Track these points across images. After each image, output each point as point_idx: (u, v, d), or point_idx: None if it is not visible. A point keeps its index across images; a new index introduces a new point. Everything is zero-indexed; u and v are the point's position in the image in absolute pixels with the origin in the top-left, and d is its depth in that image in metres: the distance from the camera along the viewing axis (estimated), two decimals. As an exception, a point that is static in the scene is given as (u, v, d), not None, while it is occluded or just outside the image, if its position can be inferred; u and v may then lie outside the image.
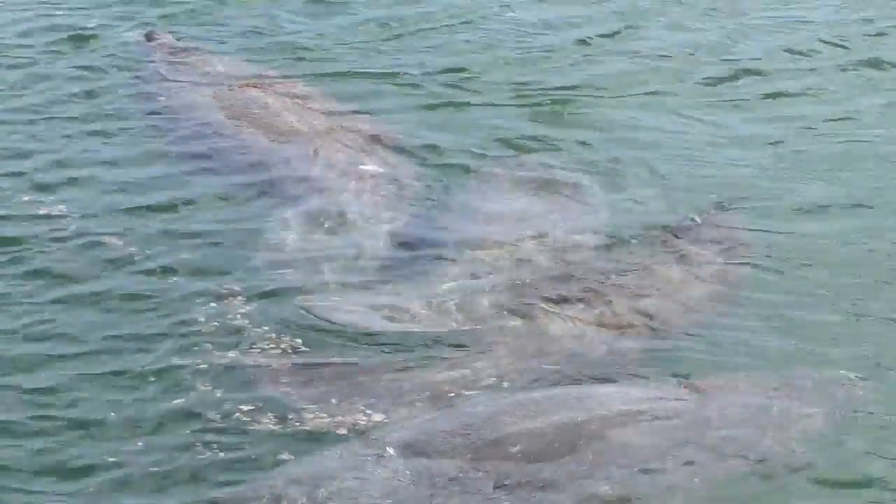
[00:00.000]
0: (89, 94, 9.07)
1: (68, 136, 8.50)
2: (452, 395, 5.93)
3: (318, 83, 9.27)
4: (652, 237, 7.34)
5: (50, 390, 5.94)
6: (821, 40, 10.19)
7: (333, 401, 5.83)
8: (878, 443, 5.75)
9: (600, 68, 9.75)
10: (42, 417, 5.76)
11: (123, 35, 10.04)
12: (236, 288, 6.74)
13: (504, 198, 7.70)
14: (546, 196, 7.77)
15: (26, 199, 7.68)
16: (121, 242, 7.20)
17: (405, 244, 7.29)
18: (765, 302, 6.79)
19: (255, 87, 9.01)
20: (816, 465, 5.60)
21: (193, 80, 9.13)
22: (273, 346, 6.25)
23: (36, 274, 6.89)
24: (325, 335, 6.33)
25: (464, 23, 10.41)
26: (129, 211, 7.60)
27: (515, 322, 6.49)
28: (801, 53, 10.00)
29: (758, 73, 9.71)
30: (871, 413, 5.91)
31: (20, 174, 7.98)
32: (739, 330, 6.54)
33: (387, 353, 6.24)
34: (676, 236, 7.31)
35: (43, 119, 8.72)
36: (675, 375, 6.09)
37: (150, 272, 6.94)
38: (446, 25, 10.37)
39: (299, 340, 6.29)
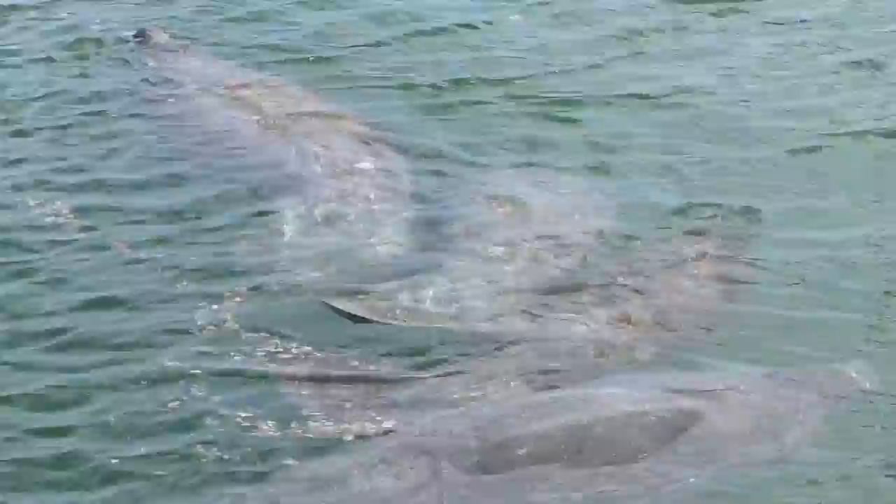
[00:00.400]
0: (85, 94, 9.05)
1: (67, 138, 8.49)
2: (463, 396, 5.91)
3: (313, 83, 9.25)
4: (660, 238, 7.36)
5: (52, 392, 5.93)
6: (820, 43, 10.19)
7: (341, 403, 5.82)
8: (887, 436, 5.78)
9: (605, 68, 9.77)
10: (44, 419, 5.75)
11: (118, 33, 10.01)
12: (236, 289, 6.73)
13: (507, 197, 7.68)
14: (551, 196, 7.78)
15: (22, 199, 7.66)
16: (119, 243, 7.19)
17: (407, 243, 7.28)
18: (769, 301, 6.81)
19: (252, 86, 8.98)
20: (825, 461, 5.60)
21: (188, 79, 9.09)
22: (280, 348, 6.24)
23: (36, 275, 6.89)
24: (333, 335, 6.34)
25: (463, 23, 10.40)
26: (126, 212, 7.58)
27: (524, 323, 6.49)
28: (806, 54, 10.01)
29: (765, 71, 9.75)
30: (878, 406, 5.94)
31: (15, 176, 7.97)
32: (746, 329, 6.55)
33: (393, 353, 6.24)
34: (685, 236, 7.34)
35: (39, 119, 8.71)
36: (681, 375, 6.10)
37: (146, 274, 6.91)
38: (444, 25, 10.35)
39: (305, 340, 6.29)
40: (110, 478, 5.41)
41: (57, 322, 6.46)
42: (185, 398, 5.87)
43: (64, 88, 9.11)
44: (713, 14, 10.65)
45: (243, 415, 5.73)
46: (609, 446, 5.39)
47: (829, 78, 9.59)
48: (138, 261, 7.02)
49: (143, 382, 5.99)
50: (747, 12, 10.69)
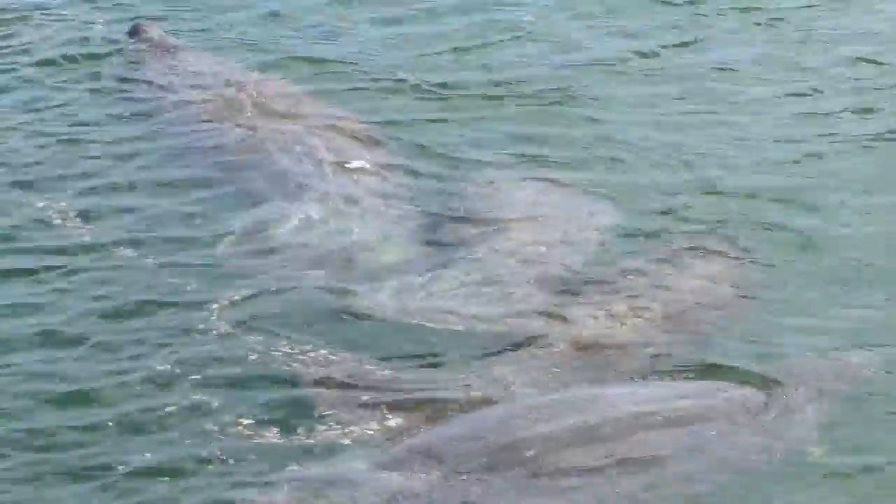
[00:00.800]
0: (79, 94, 9.02)
1: (63, 139, 8.45)
2: (469, 397, 5.87)
3: (310, 81, 9.23)
4: (664, 237, 7.34)
5: (53, 392, 5.90)
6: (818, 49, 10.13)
7: (347, 405, 5.78)
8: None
9: (607, 68, 9.72)
10: (45, 420, 5.72)
11: (113, 29, 9.97)
12: (237, 290, 6.70)
13: (511, 195, 7.69)
14: (556, 194, 7.76)
15: (16, 200, 7.63)
16: (115, 243, 7.16)
17: (409, 243, 7.26)
18: (772, 299, 6.81)
19: (247, 84, 8.94)
20: (834, 453, 5.59)
21: (182, 77, 9.05)
22: (284, 350, 6.20)
23: (36, 276, 6.86)
24: (337, 336, 6.32)
25: (462, 24, 10.36)
26: (122, 212, 7.57)
27: (530, 321, 6.46)
28: (805, 58, 9.95)
29: (769, 73, 9.71)
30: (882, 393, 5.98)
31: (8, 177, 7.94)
32: (750, 326, 6.56)
33: (398, 353, 6.23)
34: (689, 236, 7.32)
35: (32, 121, 8.67)
36: (683, 374, 6.08)
37: (145, 275, 6.88)
38: (442, 25, 10.33)
39: (309, 341, 6.26)
40: (112, 479, 5.37)
41: (58, 323, 6.43)
42: (186, 399, 5.84)
43: (58, 90, 9.09)
44: (722, 15, 10.66)
45: (247, 417, 5.69)
46: (617, 447, 5.37)
47: (839, 80, 9.58)
48: (136, 262, 6.99)
49: (144, 383, 5.96)
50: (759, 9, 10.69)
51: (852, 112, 8.99)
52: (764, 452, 5.56)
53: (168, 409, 5.78)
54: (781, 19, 10.48)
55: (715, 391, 5.82)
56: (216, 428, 5.63)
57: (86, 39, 9.80)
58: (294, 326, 6.36)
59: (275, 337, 6.27)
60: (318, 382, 5.94)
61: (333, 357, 6.15)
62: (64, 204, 7.51)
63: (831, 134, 8.69)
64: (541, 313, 6.50)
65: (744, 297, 6.82)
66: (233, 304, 6.57)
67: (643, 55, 9.88)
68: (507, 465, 5.24)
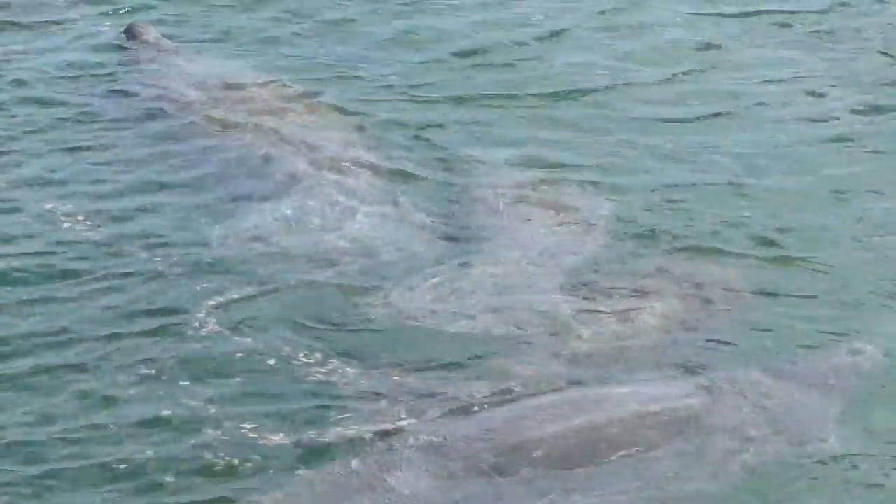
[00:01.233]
0: (74, 94, 9.00)
1: (59, 136, 8.43)
2: (475, 397, 5.83)
3: (305, 82, 9.21)
4: (667, 238, 7.32)
5: (55, 395, 5.88)
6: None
7: (353, 404, 5.77)
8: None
9: (608, 68, 9.71)
10: (47, 421, 5.69)
11: (108, 28, 9.98)
12: (236, 288, 6.69)
13: (513, 199, 7.67)
14: (556, 196, 7.74)
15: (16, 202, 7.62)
16: (115, 243, 7.16)
17: (409, 243, 7.22)
18: (775, 298, 6.81)
19: (244, 85, 8.96)
20: (841, 448, 5.57)
21: (178, 79, 9.03)
22: (287, 348, 6.18)
23: (37, 276, 6.83)
24: (341, 334, 6.32)
25: (461, 22, 10.38)
26: (118, 212, 7.55)
27: (532, 322, 6.44)
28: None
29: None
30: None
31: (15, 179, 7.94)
32: (752, 325, 6.55)
33: (403, 352, 6.20)
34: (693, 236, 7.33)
35: (32, 121, 8.65)
36: (689, 373, 6.06)
37: (142, 273, 6.86)
38: (440, 24, 10.32)
39: (312, 339, 6.25)
40: (114, 481, 5.36)
41: (58, 322, 6.41)
42: (186, 399, 5.82)
43: (58, 90, 9.08)
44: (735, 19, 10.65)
45: (251, 417, 5.68)
46: (623, 446, 5.36)
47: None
48: (136, 262, 6.97)
49: (144, 383, 5.95)
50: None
51: (860, 113, 8.99)
52: (774, 450, 5.53)
53: (168, 409, 5.76)
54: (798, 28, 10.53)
55: (721, 390, 5.79)
56: (219, 428, 5.61)
57: (87, 40, 9.82)
58: (297, 326, 6.35)
59: (277, 337, 6.26)
60: (323, 383, 5.92)
61: (338, 357, 6.12)
62: (70, 206, 7.51)
63: (840, 134, 8.71)
64: (544, 313, 6.48)
65: (749, 296, 6.80)
66: (233, 303, 6.55)
67: (652, 54, 9.92)
68: (513, 465, 5.23)
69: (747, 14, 10.66)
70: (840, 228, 7.47)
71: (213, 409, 5.72)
